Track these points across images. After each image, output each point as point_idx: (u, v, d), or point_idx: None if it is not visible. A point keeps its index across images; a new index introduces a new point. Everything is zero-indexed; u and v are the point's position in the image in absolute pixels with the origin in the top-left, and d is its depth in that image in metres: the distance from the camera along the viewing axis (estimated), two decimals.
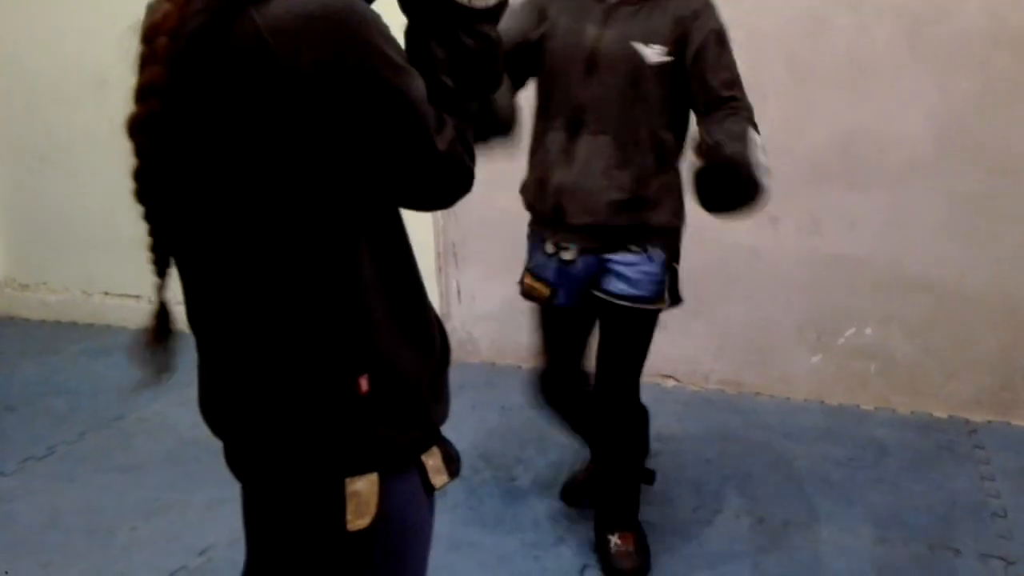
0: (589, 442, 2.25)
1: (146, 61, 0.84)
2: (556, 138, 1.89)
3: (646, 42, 1.79)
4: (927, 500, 2.35)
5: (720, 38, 1.80)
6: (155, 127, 0.86)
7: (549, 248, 1.97)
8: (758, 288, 2.95)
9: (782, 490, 2.43)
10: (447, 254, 3.34)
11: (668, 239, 1.94)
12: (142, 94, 0.85)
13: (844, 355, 2.93)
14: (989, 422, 2.79)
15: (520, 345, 3.32)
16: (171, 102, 0.85)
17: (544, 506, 2.37)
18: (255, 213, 0.88)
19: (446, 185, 0.96)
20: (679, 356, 3.06)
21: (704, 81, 1.78)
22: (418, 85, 0.89)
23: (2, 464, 2.68)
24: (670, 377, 3.11)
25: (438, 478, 1.04)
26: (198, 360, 1.03)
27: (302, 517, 1.01)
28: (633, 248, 1.90)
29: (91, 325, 3.98)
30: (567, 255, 1.94)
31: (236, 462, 1.06)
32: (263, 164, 0.85)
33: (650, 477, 2.24)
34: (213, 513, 2.29)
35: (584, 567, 2.11)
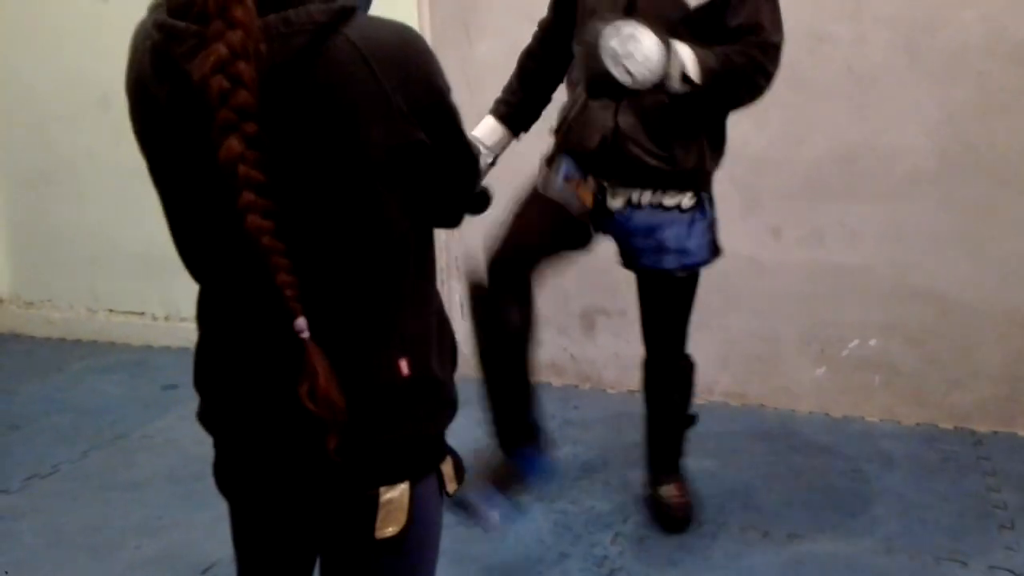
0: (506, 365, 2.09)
1: (228, 91, 0.82)
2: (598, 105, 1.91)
3: None
4: (933, 512, 2.34)
5: None
6: (257, 153, 0.84)
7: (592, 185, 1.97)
8: (761, 300, 2.95)
9: (787, 503, 2.42)
10: (450, 268, 3.34)
11: (696, 184, 1.95)
12: (235, 122, 0.83)
13: (848, 367, 2.92)
14: (994, 432, 2.78)
15: None
16: (262, 122, 0.84)
17: (547, 521, 2.36)
18: (344, 216, 0.91)
19: (463, 206, 1.10)
20: None
21: (735, 19, 1.80)
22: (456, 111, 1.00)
23: (6, 482, 2.68)
24: None
25: (451, 485, 1.09)
26: (221, 378, 1.03)
27: (329, 526, 1.04)
28: (667, 204, 1.92)
29: (95, 342, 3.98)
30: (614, 203, 1.96)
31: (246, 477, 1.06)
32: (351, 170, 0.89)
33: (692, 419, 2.30)
34: (216, 531, 2.27)
35: None
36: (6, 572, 2.17)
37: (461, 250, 3.30)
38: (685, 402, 2.27)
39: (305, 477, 1.00)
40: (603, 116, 1.90)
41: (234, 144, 0.83)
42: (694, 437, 2.35)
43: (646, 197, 1.94)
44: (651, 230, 1.96)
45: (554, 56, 2.08)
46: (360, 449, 0.97)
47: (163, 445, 2.89)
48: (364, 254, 0.94)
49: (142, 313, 3.83)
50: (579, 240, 2.05)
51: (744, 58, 1.80)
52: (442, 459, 1.08)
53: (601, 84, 1.73)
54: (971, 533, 2.24)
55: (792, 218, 2.85)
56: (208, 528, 2.30)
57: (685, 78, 1.73)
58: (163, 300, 3.71)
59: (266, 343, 0.96)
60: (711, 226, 2.01)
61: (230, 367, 1.02)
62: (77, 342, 4.02)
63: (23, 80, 3.81)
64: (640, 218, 1.96)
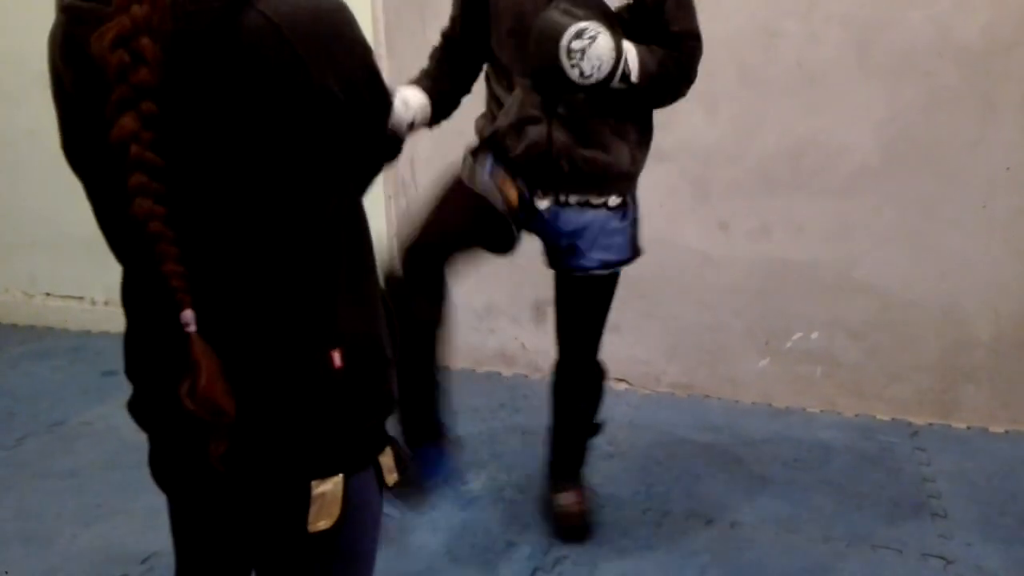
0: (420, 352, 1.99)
1: (127, 65, 0.79)
2: (517, 94, 1.86)
3: None
4: (870, 501, 2.40)
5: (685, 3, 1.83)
6: (153, 132, 0.81)
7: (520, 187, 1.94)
8: (709, 292, 2.99)
9: (730, 492, 2.46)
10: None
11: (624, 186, 1.95)
12: (132, 99, 0.80)
13: (791, 359, 2.98)
14: (930, 424, 2.86)
15: (474, 348, 3.31)
16: (164, 102, 0.81)
17: (496, 510, 2.37)
18: (257, 192, 0.86)
19: (387, 162, 1.06)
20: (630, 359, 3.08)
21: (664, 26, 1.81)
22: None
23: None
24: (622, 380, 3.13)
25: (390, 476, 1.06)
26: (143, 363, 1.00)
27: (261, 520, 1.01)
28: (594, 202, 1.91)
29: (32, 327, 3.87)
30: (541, 203, 1.94)
31: (178, 469, 1.04)
32: (270, 147, 0.85)
33: (596, 428, 2.28)
34: (156, 520, 2.22)
35: (535, 570, 2.11)
36: (6, 572, 2.11)
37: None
38: (592, 410, 2.24)
39: (234, 470, 0.97)
40: (536, 131, 1.86)
41: (127, 122, 0.80)
42: (641, 429, 2.37)
43: (573, 197, 1.92)
44: (577, 230, 1.94)
45: (470, 54, 2.00)
46: (291, 441, 0.95)
47: (102, 432, 2.82)
48: (282, 243, 0.89)
49: (81, 298, 3.72)
50: (500, 238, 1.98)
51: (676, 65, 1.83)
52: (380, 450, 1.05)
53: (547, 75, 1.72)
54: (906, 521, 2.30)
55: (740, 212, 2.89)
56: (147, 518, 2.25)
57: (624, 78, 1.75)
58: (105, 285, 3.61)
59: (176, 333, 0.92)
60: (634, 224, 2.00)
61: (151, 355, 0.98)
62: (13, 327, 3.90)
63: None
64: (566, 217, 1.93)
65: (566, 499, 2.25)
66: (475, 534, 2.26)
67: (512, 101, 1.88)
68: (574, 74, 1.69)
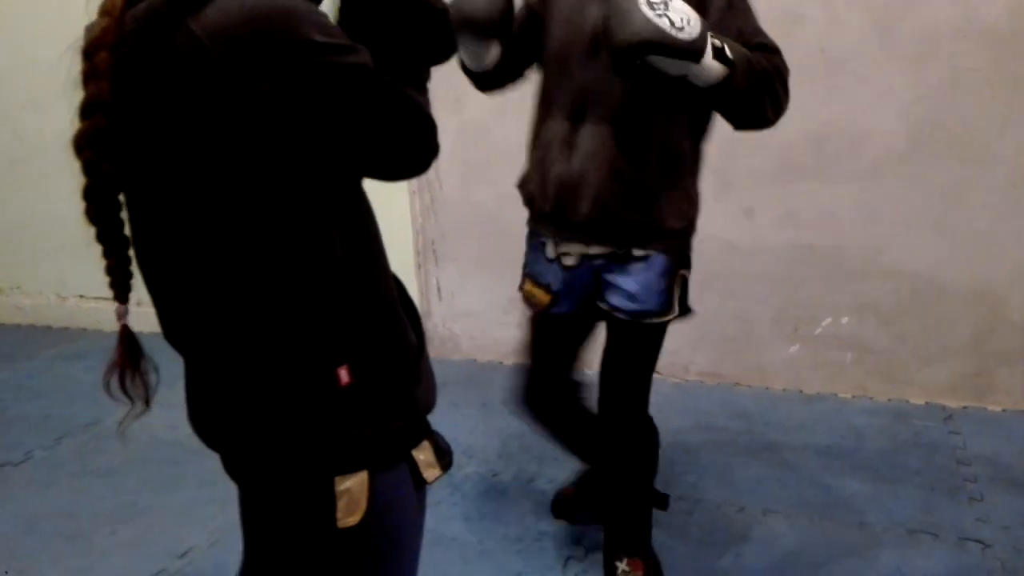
0: (580, 454, 2.14)
1: (88, 77, 0.85)
2: (557, 127, 1.70)
3: None
4: (905, 486, 2.38)
5: (738, 3, 1.60)
6: (102, 143, 0.87)
7: (550, 252, 1.81)
8: (735, 280, 2.97)
9: (762, 479, 2.45)
10: (426, 251, 3.34)
11: (674, 243, 1.75)
12: (87, 110, 0.86)
13: (821, 345, 2.96)
14: (964, 408, 2.83)
15: (501, 341, 3.33)
16: (117, 116, 0.86)
17: (526, 501, 2.38)
18: (221, 212, 0.88)
19: (413, 146, 0.95)
20: None
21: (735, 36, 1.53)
22: (363, 58, 0.89)
23: None
24: None
25: (430, 472, 1.05)
26: (184, 370, 1.03)
27: (293, 516, 1.01)
28: (636, 253, 1.72)
29: (66, 329, 3.94)
30: (568, 260, 1.79)
31: (230, 465, 1.06)
32: (223, 165, 0.85)
33: (663, 502, 2.06)
34: (192, 515, 2.27)
35: (567, 559, 2.11)
36: (6, 572, 2.15)
37: (438, 232, 3.30)
38: (648, 475, 1.99)
39: (261, 463, 1.00)
40: (565, 171, 1.70)
41: (83, 128, 0.86)
42: (671, 418, 2.34)
43: (595, 249, 1.76)
44: (612, 281, 1.78)
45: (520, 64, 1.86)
46: (310, 441, 0.96)
47: (136, 431, 2.82)
48: (252, 253, 0.89)
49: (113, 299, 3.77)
50: (588, 322, 1.93)
51: (773, 66, 1.53)
52: (414, 446, 1.04)
53: (631, 52, 1.39)
54: (942, 506, 2.28)
55: (765, 199, 2.87)
56: (183, 513, 2.28)
57: (719, 54, 1.44)
58: (136, 286, 3.65)
59: (188, 336, 1.00)
60: (665, 276, 1.74)
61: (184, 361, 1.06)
62: (47, 329, 3.97)
63: None
64: (592, 266, 1.80)
65: (628, 570, 1.97)
66: (507, 525, 2.27)
67: (547, 133, 1.74)
68: (663, 24, 1.35)
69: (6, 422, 3.01)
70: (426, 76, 1.00)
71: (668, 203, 1.71)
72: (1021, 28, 2.51)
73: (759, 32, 1.60)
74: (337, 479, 0.97)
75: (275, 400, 0.94)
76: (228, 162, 0.85)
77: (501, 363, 3.32)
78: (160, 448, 2.67)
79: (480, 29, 1.64)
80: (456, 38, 1.05)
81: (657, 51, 1.38)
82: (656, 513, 2.18)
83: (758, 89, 1.50)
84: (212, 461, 1.09)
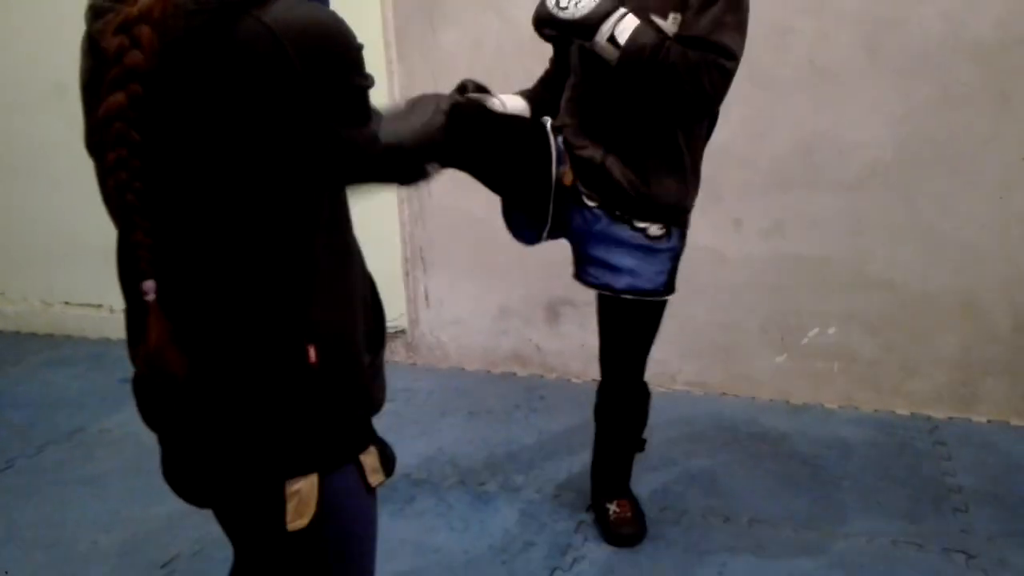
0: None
1: (125, 48, 0.85)
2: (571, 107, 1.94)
3: (663, 14, 1.71)
4: (890, 496, 2.39)
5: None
6: (136, 113, 0.86)
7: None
8: (723, 290, 2.98)
9: (748, 489, 2.45)
10: (415, 259, 3.33)
11: (669, 217, 1.92)
12: (123, 79, 0.85)
13: (808, 355, 2.96)
14: (950, 418, 2.84)
15: (489, 350, 3.32)
16: (155, 88, 0.86)
17: (512, 511, 2.37)
18: (231, 187, 0.90)
19: (406, 179, 1.13)
20: None
21: (691, 29, 1.70)
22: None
23: None
24: None
25: (374, 477, 1.07)
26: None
27: (245, 519, 1.03)
28: (637, 225, 1.89)
29: (51, 336, 3.90)
30: (590, 201, 1.92)
31: (177, 472, 1.06)
32: (248, 149, 0.89)
33: (642, 444, 2.28)
34: (176, 525, 2.26)
35: (554, 570, 2.11)
36: (6, 572, 2.13)
37: (426, 239, 3.29)
38: (636, 430, 2.24)
39: (210, 467, 1.00)
40: (591, 150, 1.90)
41: (115, 100, 0.86)
42: (658, 428, 2.36)
43: (616, 210, 1.91)
44: (611, 241, 1.91)
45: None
46: (264, 438, 0.97)
47: (121, 439, 2.84)
48: (256, 238, 0.92)
49: (99, 305, 3.75)
50: (536, 214, 1.99)
51: (684, 63, 1.67)
52: (362, 449, 1.05)
53: (535, 27, 1.76)
54: (927, 517, 2.28)
55: (753, 210, 2.88)
56: (167, 523, 2.27)
57: (612, 40, 1.68)
58: (114, 292, 3.63)
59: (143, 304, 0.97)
60: (672, 258, 1.96)
61: (132, 329, 1.02)
62: (32, 335, 3.94)
63: None
64: (606, 224, 1.91)
65: (619, 506, 2.25)
66: (492, 534, 2.26)
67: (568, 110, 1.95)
68: (550, 3, 1.70)
69: None
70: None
71: (667, 184, 1.90)
72: (1009, 42, 2.53)
73: (716, 31, 1.70)
74: (288, 482, 0.98)
75: (245, 374, 0.95)
76: (254, 147, 0.88)
77: (489, 372, 3.31)
78: (144, 457, 2.62)
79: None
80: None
81: (548, 26, 1.72)
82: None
83: (656, 76, 1.68)
84: None
